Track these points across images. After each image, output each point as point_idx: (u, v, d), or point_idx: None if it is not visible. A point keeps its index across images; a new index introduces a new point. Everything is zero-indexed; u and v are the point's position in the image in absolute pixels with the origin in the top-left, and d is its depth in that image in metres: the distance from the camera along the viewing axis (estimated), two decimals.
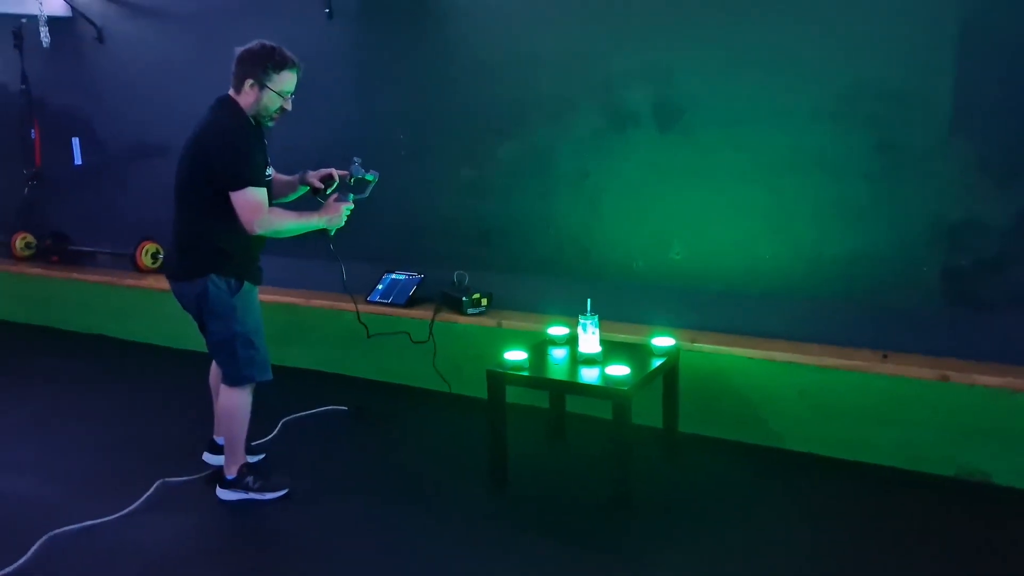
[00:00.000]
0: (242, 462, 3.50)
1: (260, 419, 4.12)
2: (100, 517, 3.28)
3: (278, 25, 5.26)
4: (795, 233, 3.93)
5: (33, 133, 6.53)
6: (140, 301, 5.75)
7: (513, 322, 4.36)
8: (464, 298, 4.46)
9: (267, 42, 3.19)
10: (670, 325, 3.93)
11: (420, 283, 4.74)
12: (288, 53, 3.19)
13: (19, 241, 6.61)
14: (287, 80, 3.19)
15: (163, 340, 5.66)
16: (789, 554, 2.96)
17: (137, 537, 3.19)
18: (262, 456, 3.81)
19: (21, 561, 2.98)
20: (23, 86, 6.48)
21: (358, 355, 4.84)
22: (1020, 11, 3.37)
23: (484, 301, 4.52)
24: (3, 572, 2.92)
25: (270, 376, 3.45)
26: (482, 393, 3.76)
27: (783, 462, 3.68)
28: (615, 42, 4.21)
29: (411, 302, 4.67)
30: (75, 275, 6.04)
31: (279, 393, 4.55)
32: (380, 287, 4.81)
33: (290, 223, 3.28)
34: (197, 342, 5.42)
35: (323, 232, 3.44)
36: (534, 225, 4.58)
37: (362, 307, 4.77)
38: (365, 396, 4.58)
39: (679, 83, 4.07)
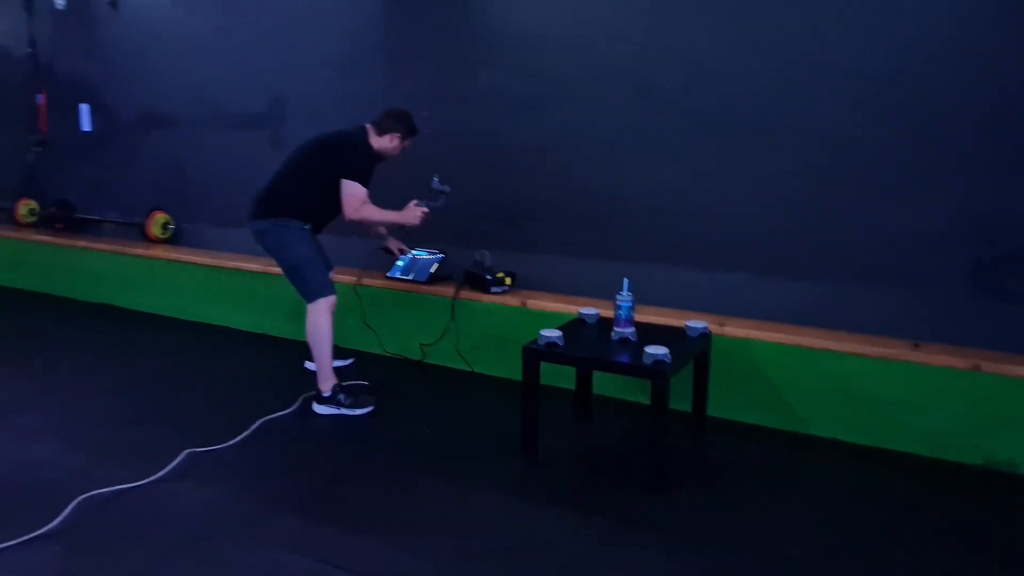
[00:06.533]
0: (334, 381, 3.99)
1: (280, 396, 4.13)
2: (129, 483, 3.25)
3: None
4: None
5: (39, 98, 6.42)
6: (150, 271, 5.68)
7: (538, 302, 4.34)
8: (489, 276, 4.44)
9: (410, 112, 4.17)
10: (694, 309, 3.93)
11: (441, 261, 4.71)
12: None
13: (23, 208, 6.50)
14: (411, 141, 4.22)
15: (173, 312, 5.61)
16: (815, 536, 2.98)
17: (169, 503, 3.16)
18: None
19: (55, 523, 2.95)
20: (30, 49, 6.36)
21: (372, 331, 4.83)
22: None
23: (508, 280, 4.49)
24: (38, 532, 2.89)
25: (334, 292, 4.04)
26: (504, 373, 3.74)
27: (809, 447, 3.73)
28: (645, 20, 4.21)
29: (432, 279, 4.65)
30: (83, 243, 5.94)
31: (295, 368, 4.56)
32: (400, 263, 4.77)
33: (376, 216, 4.09)
34: (208, 315, 5.43)
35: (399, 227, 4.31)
36: (558, 206, 4.57)
37: (383, 282, 4.77)
38: (381, 372, 4.56)
39: (705, 64, 4.09)
